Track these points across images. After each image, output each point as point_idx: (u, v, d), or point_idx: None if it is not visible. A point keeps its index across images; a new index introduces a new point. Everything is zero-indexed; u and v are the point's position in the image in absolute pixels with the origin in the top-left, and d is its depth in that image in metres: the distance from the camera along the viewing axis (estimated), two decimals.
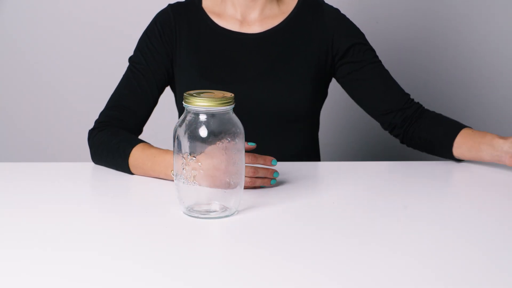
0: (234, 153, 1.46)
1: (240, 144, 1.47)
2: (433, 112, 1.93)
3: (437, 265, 1.27)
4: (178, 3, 1.97)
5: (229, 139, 1.45)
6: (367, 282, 1.22)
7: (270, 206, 1.54)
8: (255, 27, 1.92)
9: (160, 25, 1.93)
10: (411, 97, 1.96)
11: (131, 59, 1.94)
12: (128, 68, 1.93)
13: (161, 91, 1.94)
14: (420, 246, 1.36)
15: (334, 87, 2.09)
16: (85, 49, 2.89)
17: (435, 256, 1.31)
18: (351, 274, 1.25)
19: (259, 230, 1.44)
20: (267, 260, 1.31)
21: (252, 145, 1.57)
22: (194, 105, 1.44)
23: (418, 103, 1.94)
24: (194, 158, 1.45)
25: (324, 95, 1.98)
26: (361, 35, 1.96)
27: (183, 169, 1.46)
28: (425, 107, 1.94)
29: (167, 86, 1.97)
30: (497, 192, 1.67)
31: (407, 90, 2.02)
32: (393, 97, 1.92)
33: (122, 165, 1.75)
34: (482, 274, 1.25)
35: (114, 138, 1.79)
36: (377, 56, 1.96)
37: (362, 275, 1.24)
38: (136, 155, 1.73)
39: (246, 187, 1.58)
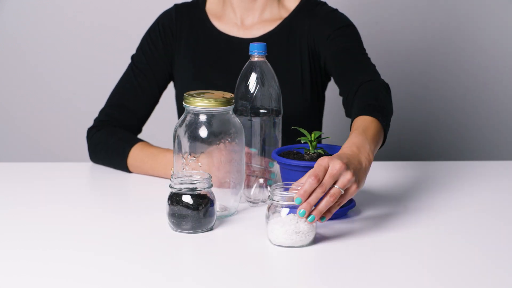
0: (234, 153, 1.46)
1: (239, 144, 1.47)
2: (377, 85, 1.70)
3: (437, 266, 1.27)
4: (183, 3, 1.96)
5: (229, 139, 1.45)
6: (365, 282, 1.22)
7: None
8: (253, 31, 1.91)
9: (162, 26, 1.93)
10: (381, 77, 1.77)
11: (133, 58, 1.94)
12: (129, 66, 1.93)
13: (161, 90, 1.95)
14: (421, 247, 1.36)
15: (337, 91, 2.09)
16: (85, 49, 2.89)
17: (435, 256, 1.31)
18: (350, 273, 1.25)
19: (259, 230, 1.44)
20: (267, 259, 1.31)
21: (253, 150, 1.56)
22: (194, 105, 1.45)
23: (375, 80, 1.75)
24: (194, 158, 1.45)
25: (322, 98, 1.97)
26: (344, 23, 1.87)
27: (183, 169, 1.46)
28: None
29: (168, 84, 1.97)
30: (500, 192, 1.67)
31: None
32: (351, 79, 1.75)
33: (120, 164, 1.76)
34: (482, 275, 1.25)
35: (112, 137, 1.80)
36: (354, 41, 1.85)
37: (362, 276, 1.24)
38: (135, 154, 1.74)
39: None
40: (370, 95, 1.64)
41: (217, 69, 1.89)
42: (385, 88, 1.70)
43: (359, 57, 1.82)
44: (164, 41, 1.92)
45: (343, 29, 1.86)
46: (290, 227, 1.32)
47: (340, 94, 1.79)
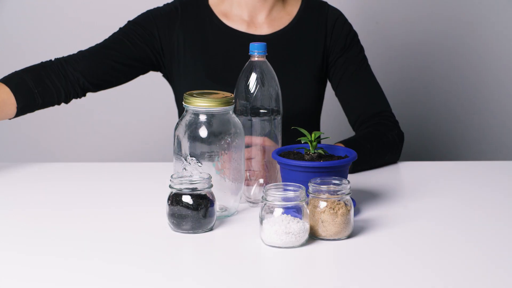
0: (234, 153, 1.46)
1: (240, 144, 1.47)
2: (379, 129, 1.84)
3: (437, 266, 1.27)
4: None
5: (229, 139, 1.45)
6: (366, 282, 1.22)
7: None
8: (262, 29, 1.91)
9: (165, 15, 1.91)
10: (391, 110, 1.91)
11: (122, 28, 1.93)
12: (114, 33, 1.93)
13: (132, 72, 1.92)
14: (421, 247, 1.36)
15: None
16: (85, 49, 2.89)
17: (435, 256, 1.31)
18: (351, 273, 1.25)
19: (259, 230, 1.44)
20: (267, 259, 1.31)
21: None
22: (194, 105, 1.44)
23: (388, 120, 1.88)
24: (194, 159, 1.45)
25: (323, 95, 1.98)
26: (352, 39, 1.94)
27: (183, 169, 1.46)
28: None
29: (139, 72, 1.94)
30: (500, 192, 1.67)
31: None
32: (365, 107, 1.89)
33: None
34: (482, 274, 1.25)
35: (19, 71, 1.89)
36: (362, 62, 1.94)
37: (362, 274, 1.24)
38: None
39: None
40: (381, 135, 1.80)
41: (229, 66, 1.87)
42: (399, 138, 1.83)
43: (372, 81, 1.93)
44: (160, 29, 1.90)
45: (354, 45, 1.94)
46: (280, 227, 1.32)
47: (348, 110, 1.91)
